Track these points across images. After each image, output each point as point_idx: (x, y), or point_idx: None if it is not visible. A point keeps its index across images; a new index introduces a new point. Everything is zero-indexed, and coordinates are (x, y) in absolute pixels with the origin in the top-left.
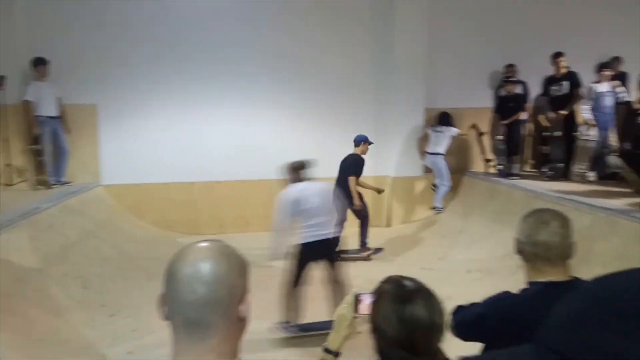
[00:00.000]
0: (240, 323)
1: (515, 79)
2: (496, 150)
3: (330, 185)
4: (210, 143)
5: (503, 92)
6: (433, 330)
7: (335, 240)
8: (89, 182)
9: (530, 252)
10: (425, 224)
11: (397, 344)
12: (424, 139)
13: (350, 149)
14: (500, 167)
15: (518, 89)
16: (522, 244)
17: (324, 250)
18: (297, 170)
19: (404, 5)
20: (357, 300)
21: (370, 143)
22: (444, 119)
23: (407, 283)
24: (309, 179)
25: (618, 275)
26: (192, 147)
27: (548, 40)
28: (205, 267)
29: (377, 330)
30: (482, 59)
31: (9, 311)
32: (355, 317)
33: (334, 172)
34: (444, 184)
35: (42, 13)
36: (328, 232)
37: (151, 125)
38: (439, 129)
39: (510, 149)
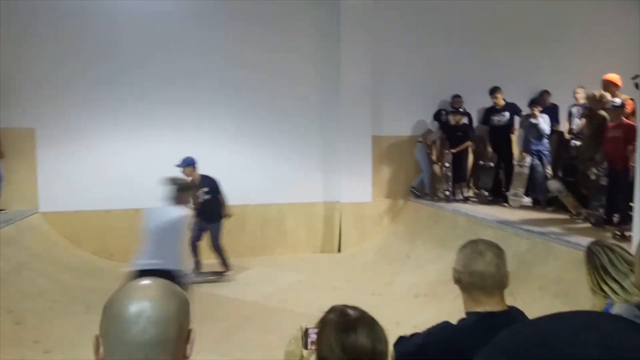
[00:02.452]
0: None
1: (462, 109)
2: (444, 177)
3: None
4: (154, 168)
5: (452, 122)
6: (376, 359)
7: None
8: (25, 209)
9: (467, 281)
10: (374, 249)
11: None
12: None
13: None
14: (447, 192)
15: (465, 120)
16: (459, 274)
17: None
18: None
19: (349, 34)
20: (306, 334)
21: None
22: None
23: (350, 312)
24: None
25: (527, 328)
26: (136, 173)
27: (486, 74)
28: (156, 307)
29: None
30: (427, 89)
31: None
32: (305, 352)
33: (285, 196)
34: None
35: None
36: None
37: (93, 150)
38: None
39: (457, 176)
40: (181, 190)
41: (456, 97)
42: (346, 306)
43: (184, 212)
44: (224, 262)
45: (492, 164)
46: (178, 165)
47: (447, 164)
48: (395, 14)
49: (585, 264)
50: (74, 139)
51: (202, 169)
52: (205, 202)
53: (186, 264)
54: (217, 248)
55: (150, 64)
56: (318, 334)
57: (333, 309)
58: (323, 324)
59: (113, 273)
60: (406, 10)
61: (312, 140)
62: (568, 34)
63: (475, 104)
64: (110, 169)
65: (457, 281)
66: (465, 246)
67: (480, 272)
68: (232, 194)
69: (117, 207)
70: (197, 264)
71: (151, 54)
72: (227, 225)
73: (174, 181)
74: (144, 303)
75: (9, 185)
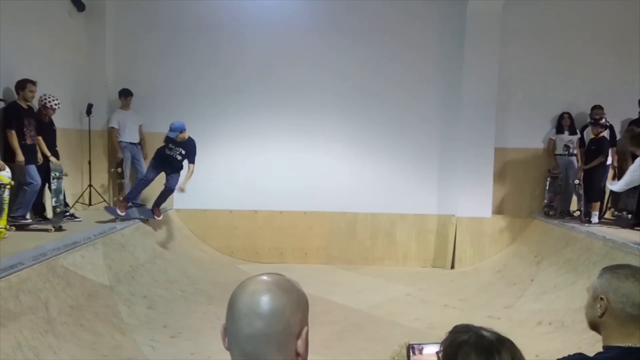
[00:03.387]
0: (298, 358)
1: (603, 121)
2: (577, 195)
3: None
4: (274, 173)
5: (590, 135)
6: None
7: None
8: (162, 206)
9: (626, 313)
10: (492, 269)
11: None
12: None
13: (413, 185)
14: (578, 212)
15: (605, 133)
16: (613, 303)
17: None
18: None
19: (474, 41)
20: (410, 350)
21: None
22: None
23: (486, 333)
24: None
25: None
26: (258, 177)
27: (632, 81)
28: (263, 301)
29: None
30: (557, 99)
31: (79, 324)
32: None
33: (398, 206)
34: None
35: (128, 47)
36: None
37: (221, 153)
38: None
39: (588, 195)
40: None
41: (596, 108)
42: (478, 327)
43: None
44: (159, 203)
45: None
46: (170, 134)
47: (577, 181)
48: (524, 17)
49: None
50: (203, 144)
51: (323, 177)
52: (175, 159)
53: None
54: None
55: (277, 74)
56: (448, 354)
57: (464, 329)
58: (456, 344)
59: (233, 269)
60: (538, 13)
61: (430, 149)
62: None
63: (618, 116)
64: (235, 173)
65: (608, 312)
66: (619, 271)
67: None
68: (345, 201)
69: (239, 208)
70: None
71: (278, 64)
72: (337, 232)
73: None
74: (254, 297)
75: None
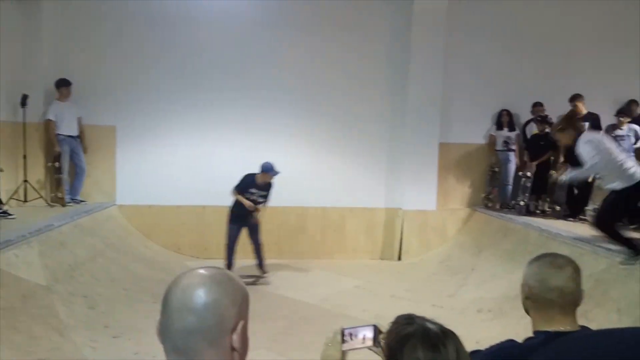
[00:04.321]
0: (233, 353)
1: (546, 117)
2: (522, 188)
3: None
4: (223, 168)
5: (535, 131)
6: None
7: None
8: (103, 202)
9: (542, 297)
10: (437, 260)
11: None
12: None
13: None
14: (522, 203)
15: (548, 129)
16: (531, 289)
17: None
18: None
19: (420, 38)
20: (343, 335)
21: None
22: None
23: (431, 326)
24: None
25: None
26: (205, 171)
27: (567, 81)
28: (196, 295)
29: None
30: (500, 96)
31: (12, 327)
32: (344, 353)
33: (347, 200)
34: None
35: (68, 36)
36: None
37: (167, 148)
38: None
39: (536, 188)
40: None
41: (537, 105)
42: (424, 319)
43: None
44: (260, 263)
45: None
46: (264, 171)
47: (528, 174)
48: (470, 17)
49: None
50: (149, 137)
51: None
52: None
53: None
54: (257, 246)
55: (220, 65)
56: (393, 347)
57: (409, 320)
58: (402, 337)
59: (180, 266)
60: (481, 13)
61: (377, 144)
62: None
63: (554, 114)
64: (181, 167)
65: (529, 297)
66: (541, 259)
67: (560, 287)
68: (294, 196)
69: (186, 204)
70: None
71: (221, 55)
72: (287, 227)
73: None
74: (187, 291)
75: (90, 178)
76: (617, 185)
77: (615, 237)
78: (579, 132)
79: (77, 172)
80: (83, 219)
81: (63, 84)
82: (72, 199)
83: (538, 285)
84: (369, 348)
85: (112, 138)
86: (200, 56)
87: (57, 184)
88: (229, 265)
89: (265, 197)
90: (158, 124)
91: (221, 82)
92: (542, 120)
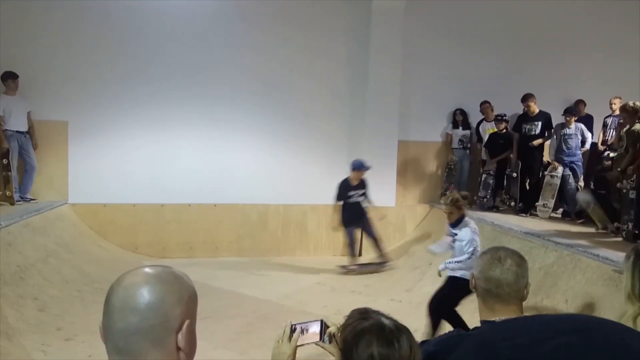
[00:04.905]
0: (179, 353)
1: (505, 117)
2: (483, 184)
3: None
4: (182, 165)
5: (491, 129)
6: None
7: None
8: (55, 200)
9: (483, 288)
10: (396, 255)
11: None
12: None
13: (323, 176)
14: (484, 200)
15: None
16: (476, 280)
17: None
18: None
19: (378, 38)
20: (293, 330)
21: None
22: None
23: (386, 321)
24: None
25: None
26: (163, 169)
27: (520, 81)
28: (139, 294)
29: None
30: (456, 95)
31: None
32: (296, 348)
33: (308, 197)
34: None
35: (15, 27)
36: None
37: (122, 144)
38: None
39: (497, 184)
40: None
41: (484, 103)
42: (379, 313)
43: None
44: (382, 253)
45: (515, 174)
46: (355, 168)
47: (491, 172)
48: (426, 18)
49: (627, 267)
50: (104, 133)
51: (231, 169)
52: (358, 203)
53: None
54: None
55: (179, 61)
56: (348, 341)
57: (365, 316)
58: (358, 332)
59: (137, 265)
60: (437, 13)
61: (338, 141)
62: (607, 42)
63: (507, 112)
64: (138, 164)
65: (474, 287)
66: (485, 252)
67: (497, 278)
68: (256, 193)
69: (143, 202)
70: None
71: (179, 50)
72: (249, 224)
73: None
74: (129, 290)
75: (41, 175)
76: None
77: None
78: None
79: (26, 169)
80: (33, 218)
81: (10, 77)
82: (22, 197)
83: (479, 276)
84: (316, 343)
85: (64, 134)
86: (156, 51)
87: (5, 181)
88: (354, 254)
89: (364, 194)
90: (113, 119)
91: (179, 78)
92: (501, 119)
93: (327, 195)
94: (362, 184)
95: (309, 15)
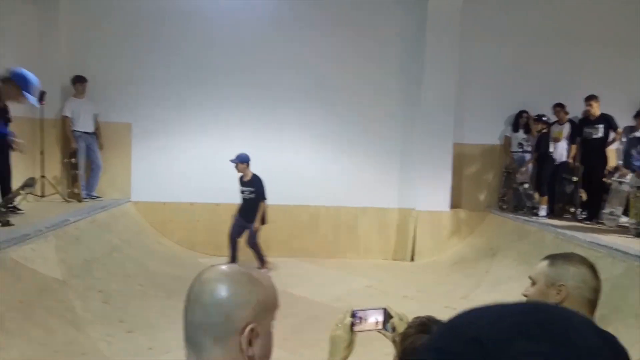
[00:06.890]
0: (243, 355)
1: (544, 117)
2: (524, 194)
3: None
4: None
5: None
6: None
7: None
8: (118, 198)
9: (587, 298)
10: (450, 261)
11: None
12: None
13: (375, 179)
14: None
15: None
16: (574, 290)
17: None
18: None
19: (435, 39)
20: (354, 317)
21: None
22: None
23: None
24: None
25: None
26: (219, 168)
27: (583, 82)
28: (208, 290)
29: None
30: (514, 97)
31: (29, 320)
32: (354, 334)
33: (359, 200)
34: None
35: (85, 33)
36: None
37: (182, 145)
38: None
39: (539, 190)
40: None
41: (557, 106)
42: (435, 322)
43: None
44: (261, 259)
45: (575, 178)
46: (232, 161)
47: (526, 185)
48: (484, 18)
49: None
50: (166, 135)
51: (286, 170)
52: (249, 201)
53: None
54: (254, 246)
55: (235, 63)
56: (406, 351)
57: (420, 325)
58: (416, 347)
59: (194, 263)
60: (496, 13)
61: (391, 144)
62: None
63: (572, 114)
64: (195, 164)
65: (566, 297)
66: (570, 258)
67: (599, 289)
68: (308, 195)
69: (200, 201)
70: (234, 259)
71: (236, 53)
72: (301, 225)
73: None
74: (203, 285)
75: (106, 174)
76: None
77: None
78: None
79: (93, 169)
80: (99, 214)
81: (78, 81)
82: (88, 195)
83: (578, 284)
84: (379, 331)
85: (128, 135)
86: (214, 54)
87: (73, 179)
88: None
89: (252, 192)
90: (173, 121)
91: (236, 80)
92: (538, 119)
93: (378, 198)
94: (254, 182)
95: (363, 16)
